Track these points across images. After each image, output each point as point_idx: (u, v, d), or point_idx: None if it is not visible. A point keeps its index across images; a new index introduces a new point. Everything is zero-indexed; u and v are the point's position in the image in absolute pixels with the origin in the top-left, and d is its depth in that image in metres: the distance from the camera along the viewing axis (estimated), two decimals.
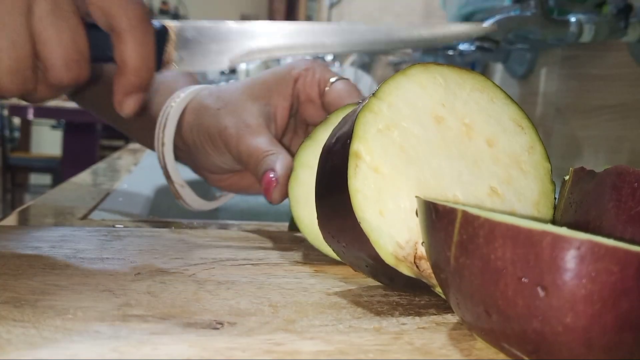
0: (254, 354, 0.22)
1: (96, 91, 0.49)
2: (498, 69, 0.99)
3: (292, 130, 0.50)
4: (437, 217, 0.24)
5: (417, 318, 0.28)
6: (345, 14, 2.10)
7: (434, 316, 0.28)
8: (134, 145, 1.24)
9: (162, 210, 0.67)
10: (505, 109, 0.33)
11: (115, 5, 0.37)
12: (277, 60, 1.41)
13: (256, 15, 5.12)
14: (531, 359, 0.22)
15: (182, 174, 0.50)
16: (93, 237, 0.40)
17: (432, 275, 0.28)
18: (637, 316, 0.20)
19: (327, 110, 0.46)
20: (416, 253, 0.29)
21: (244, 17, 5.11)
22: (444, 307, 0.29)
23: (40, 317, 0.25)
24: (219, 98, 0.47)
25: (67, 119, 2.87)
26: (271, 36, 0.43)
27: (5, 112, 3.55)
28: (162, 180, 0.50)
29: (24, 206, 0.57)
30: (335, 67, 1.43)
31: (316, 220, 0.35)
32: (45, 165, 3.71)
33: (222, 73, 1.44)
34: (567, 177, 0.32)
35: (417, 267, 0.29)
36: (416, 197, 0.27)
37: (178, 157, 0.50)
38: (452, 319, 0.28)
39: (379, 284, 0.33)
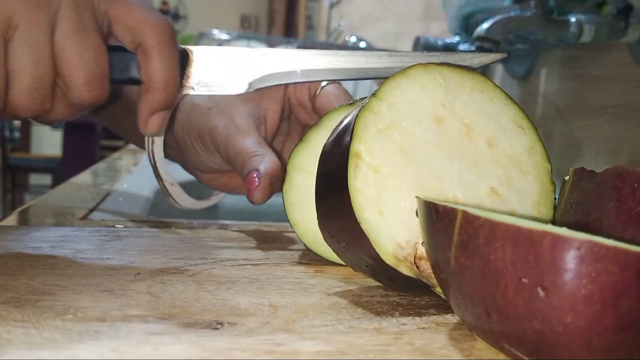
0: (254, 354, 0.22)
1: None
2: (498, 69, 0.99)
3: (285, 133, 0.50)
4: (437, 217, 0.24)
5: (417, 318, 0.28)
6: (345, 14, 2.10)
7: (434, 316, 0.28)
8: (134, 146, 1.23)
9: (162, 211, 0.67)
10: (506, 110, 0.33)
11: (142, 22, 0.37)
12: None
13: (256, 15, 5.12)
14: (531, 359, 0.22)
15: (177, 173, 0.50)
16: (93, 238, 0.40)
17: (432, 275, 0.28)
18: (637, 316, 0.20)
19: (318, 114, 0.47)
20: (416, 253, 0.29)
21: (244, 18, 5.10)
22: (444, 308, 0.29)
23: (40, 317, 0.25)
24: (210, 97, 0.47)
25: None
26: (289, 61, 0.43)
27: None
28: None
29: (24, 206, 0.57)
30: None
31: (312, 224, 0.35)
32: (46, 165, 3.71)
33: None
34: (567, 178, 0.32)
35: (417, 267, 0.29)
36: (416, 197, 0.27)
37: (169, 155, 0.50)
38: (452, 319, 0.28)
39: (379, 284, 0.33)
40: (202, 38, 1.34)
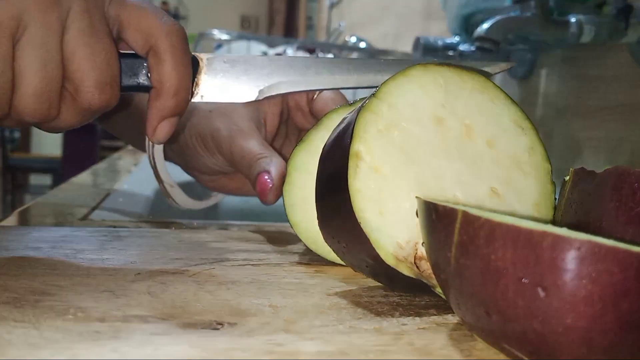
0: (254, 354, 0.22)
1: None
2: None
3: (283, 136, 0.50)
4: (437, 217, 0.24)
5: (417, 319, 0.28)
6: (345, 14, 2.10)
7: (434, 317, 0.28)
8: None
9: (162, 211, 0.67)
10: (506, 110, 0.33)
11: (155, 26, 0.36)
12: None
13: (256, 15, 5.12)
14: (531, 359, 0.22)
15: (176, 173, 0.50)
16: (93, 238, 0.40)
17: (432, 275, 0.28)
18: (637, 317, 0.20)
19: (316, 117, 0.47)
20: (416, 253, 0.29)
21: (244, 18, 5.10)
22: (444, 308, 0.29)
23: (40, 317, 0.25)
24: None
25: None
26: (299, 70, 0.43)
27: None
28: None
29: (25, 206, 0.57)
30: None
31: (312, 224, 0.35)
32: (46, 165, 3.70)
33: None
34: (567, 178, 0.32)
35: (417, 267, 0.29)
36: (416, 197, 0.27)
37: (169, 157, 0.50)
38: (452, 319, 0.28)
39: (379, 284, 0.33)
40: (202, 38, 1.34)
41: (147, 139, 0.47)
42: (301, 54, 1.42)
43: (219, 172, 0.49)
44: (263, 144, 0.45)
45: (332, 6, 2.20)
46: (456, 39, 0.95)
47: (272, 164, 0.42)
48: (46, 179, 3.83)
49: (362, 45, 1.46)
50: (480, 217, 0.21)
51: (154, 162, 0.48)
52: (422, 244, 0.29)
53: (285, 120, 0.50)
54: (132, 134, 0.56)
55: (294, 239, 0.44)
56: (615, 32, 0.66)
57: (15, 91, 0.33)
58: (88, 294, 0.28)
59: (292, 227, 0.37)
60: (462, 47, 0.93)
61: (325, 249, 0.35)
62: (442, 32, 1.17)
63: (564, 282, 0.19)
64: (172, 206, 0.50)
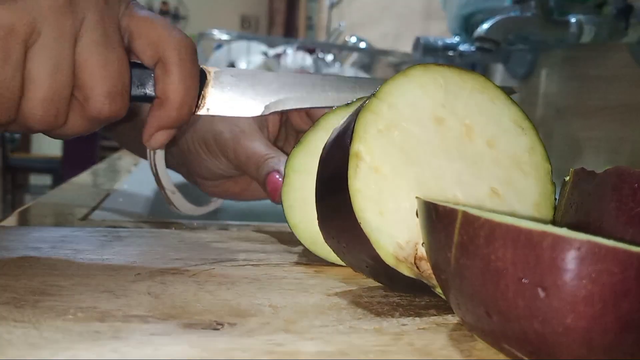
0: (254, 354, 0.22)
1: None
2: (498, 69, 0.99)
3: (283, 138, 0.50)
4: (437, 217, 0.24)
5: (417, 319, 0.28)
6: (345, 14, 2.10)
7: (435, 317, 0.28)
8: None
9: (162, 211, 0.67)
10: (506, 110, 0.33)
11: (165, 38, 0.36)
12: (277, 61, 1.42)
13: (256, 15, 5.12)
14: None
15: (175, 178, 0.50)
16: (93, 238, 0.40)
17: (433, 276, 0.28)
18: (637, 317, 0.20)
19: (312, 119, 0.47)
20: (416, 254, 0.29)
21: (244, 18, 5.10)
22: (444, 308, 0.29)
23: (40, 317, 0.25)
24: None
25: None
26: (305, 87, 0.43)
27: None
28: None
29: (25, 207, 0.57)
30: (336, 68, 1.43)
31: (311, 225, 0.35)
32: (46, 165, 3.70)
33: None
34: (567, 178, 0.32)
35: (417, 267, 0.29)
36: (416, 197, 0.27)
37: (170, 164, 0.50)
38: (452, 319, 0.28)
39: (380, 284, 0.33)
40: (202, 38, 1.34)
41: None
42: (301, 54, 1.42)
43: (222, 177, 0.49)
44: (268, 144, 0.45)
45: (332, 6, 2.20)
46: (456, 39, 0.95)
47: (281, 164, 0.43)
48: (46, 179, 3.83)
49: (362, 45, 1.46)
50: (481, 217, 0.21)
51: (156, 169, 0.48)
52: (422, 244, 0.29)
53: (284, 122, 0.50)
54: (136, 144, 0.56)
55: (294, 239, 0.43)
56: (616, 32, 0.66)
57: (24, 96, 0.33)
58: (88, 294, 0.28)
59: (291, 229, 0.37)
60: (462, 47, 0.93)
61: (324, 250, 0.35)
62: (442, 32, 1.17)
63: (564, 282, 0.19)
64: (173, 212, 0.51)
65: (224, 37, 1.39)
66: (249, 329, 0.25)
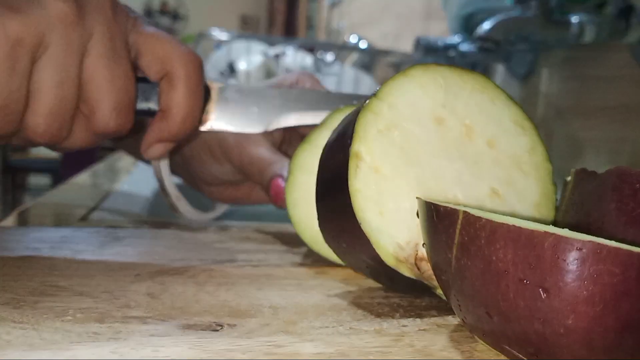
0: (254, 355, 0.22)
1: None
2: (499, 69, 0.99)
3: (287, 142, 0.50)
4: (438, 218, 0.24)
5: (418, 320, 0.27)
6: (345, 14, 2.10)
7: (435, 318, 0.28)
8: None
9: (162, 211, 0.67)
10: (506, 110, 0.33)
11: (172, 52, 0.36)
12: (277, 61, 1.42)
13: (256, 15, 5.12)
14: None
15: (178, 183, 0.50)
16: (93, 238, 0.40)
17: (433, 276, 0.28)
18: (638, 318, 0.20)
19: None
20: (417, 254, 0.29)
21: (244, 18, 5.11)
22: (445, 309, 0.29)
23: (39, 318, 0.25)
24: None
25: None
26: (309, 103, 0.43)
27: None
28: None
29: (24, 207, 0.57)
30: (336, 68, 1.43)
31: (314, 223, 0.35)
32: (45, 166, 3.70)
33: (222, 74, 1.44)
34: (568, 178, 0.32)
35: (417, 268, 0.29)
36: (417, 198, 0.27)
37: (174, 171, 0.50)
38: (453, 320, 0.28)
39: (380, 285, 0.33)
40: (201, 38, 1.35)
41: None
42: (301, 53, 1.42)
43: (227, 182, 0.49)
44: (272, 149, 0.45)
45: (332, 6, 2.21)
46: (456, 39, 0.95)
47: (285, 169, 0.43)
48: (46, 180, 3.83)
49: (362, 45, 1.46)
50: (481, 217, 0.21)
51: (160, 176, 0.48)
52: (423, 244, 0.29)
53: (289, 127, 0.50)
54: (133, 146, 0.56)
55: (294, 239, 0.44)
56: (616, 32, 0.66)
57: (28, 108, 0.32)
58: (87, 295, 0.28)
59: (293, 226, 0.37)
60: (463, 47, 0.93)
61: (326, 249, 0.35)
62: (442, 32, 1.17)
63: (565, 283, 0.19)
64: (179, 217, 0.51)
65: (224, 37, 1.39)
66: (249, 329, 0.25)
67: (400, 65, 1.33)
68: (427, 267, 0.29)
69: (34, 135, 0.33)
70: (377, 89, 0.31)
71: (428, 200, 0.25)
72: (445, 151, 0.31)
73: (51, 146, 0.36)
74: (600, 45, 0.72)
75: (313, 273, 0.35)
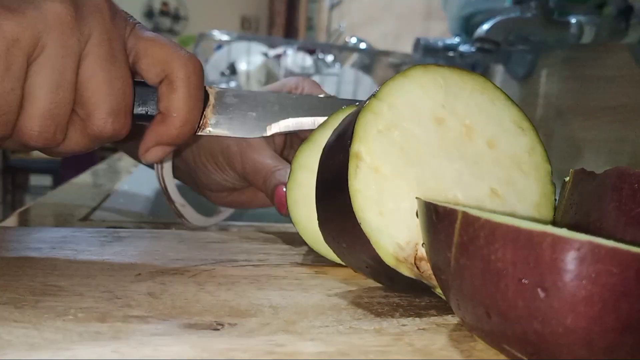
0: (254, 355, 0.22)
1: None
2: (499, 70, 0.99)
3: (289, 146, 0.50)
4: (437, 218, 0.24)
5: (417, 319, 0.28)
6: (345, 15, 2.10)
7: (435, 317, 0.28)
8: None
9: (163, 211, 0.67)
10: (506, 111, 0.33)
11: (173, 56, 0.36)
12: (278, 62, 1.42)
13: (256, 16, 5.12)
14: None
15: (183, 189, 0.50)
16: (93, 238, 0.40)
17: (433, 276, 0.28)
18: (637, 317, 0.20)
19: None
20: (416, 254, 0.29)
21: (245, 19, 5.11)
22: (444, 309, 0.29)
23: (41, 318, 0.25)
24: None
25: None
26: (307, 109, 0.43)
27: None
28: None
29: (25, 207, 0.57)
30: (336, 68, 1.43)
31: (314, 223, 0.35)
32: (46, 166, 3.70)
33: (222, 74, 1.44)
34: (567, 179, 0.32)
35: (417, 268, 0.29)
36: (417, 198, 0.27)
37: (178, 177, 0.50)
38: (452, 320, 0.28)
39: (380, 285, 0.33)
40: (202, 39, 1.35)
41: (155, 163, 0.48)
42: (301, 54, 1.42)
43: (230, 188, 0.49)
44: (275, 156, 0.45)
45: (332, 7, 2.21)
46: (456, 39, 0.96)
47: (287, 175, 0.43)
48: (46, 180, 3.83)
49: (363, 45, 1.46)
50: (481, 217, 0.21)
51: (164, 184, 0.48)
52: (423, 244, 0.29)
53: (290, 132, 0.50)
54: (135, 150, 0.56)
55: (294, 239, 0.44)
56: (616, 32, 0.66)
57: (22, 111, 0.32)
58: (88, 295, 0.28)
59: (294, 226, 0.37)
60: (463, 48, 0.93)
61: (325, 248, 0.35)
62: (442, 33, 1.17)
63: (564, 283, 0.19)
64: (184, 225, 0.51)
65: (224, 37, 1.39)
66: (249, 329, 0.25)
67: (400, 65, 1.33)
68: (426, 266, 0.29)
69: (28, 138, 0.33)
70: (377, 89, 0.31)
71: (427, 200, 0.25)
72: (445, 151, 0.31)
73: (46, 150, 0.35)
74: (600, 46, 0.72)
75: (313, 273, 0.35)
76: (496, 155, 0.32)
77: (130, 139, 0.37)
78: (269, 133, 0.42)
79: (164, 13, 4.99)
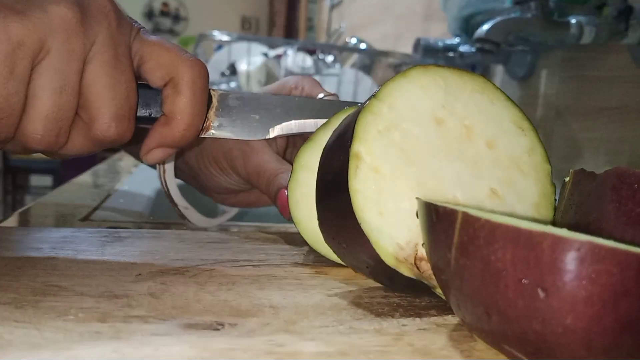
0: (254, 354, 0.23)
1: None
2: (498, 70, 0.99)
3: (292, 145, 0.50)
4: (437, 218, 0.24)
5: (417, 319, 0.28)
6: (345, 16, 2.10)
7: (435, 317, 0.28)
8: None
9: (163, 211, 0.67)
10: (506, 111, 0.33)
11: (178, 59, 0.36)
12: (278, 62, 1.42)
13: (257, 17, 5.12)
14: None
15: (185, 190, 0.50)
16: (94, 238, 0.40)
17: (433, 276, 0.28)
18: (637, 317, 0.20)
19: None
20: (416, 254, 0.29)
21: (245, 19, 5.11)
22: (444, 309, 0.29)
23: (41, 318, 0.25)
24: None
25: None
26: (310, 111, 0.43)
27: None
28: None
29: (25, 207, 0.57)
30: (336, 69, 1.43)
31: (314, 222, 0.35)
32: (46, 166, 3.71)
33: (223, 75, 1.44)
34: (567, 179, 0.32)
35: (417, 268, 0.29)
36: (417, 198, 0.27)
37: (184, 178, 0.50)
38: (452, 320, 0.28)
39: (380, 285, 0.33)
40: (202, 39, 1.35)
41: (157, 166, 0.48)
42: (301, 55, 1.42)
43: (236, 191, 0.49)
44: (277, 158, 0.45)
45: (332, 7, 2.21)
46: (456, 40, 0.96)
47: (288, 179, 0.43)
48: (47, 180, 3.84)
49: (363, 46, 1.46)
50: (480, 218, 0.21)
51: (167, 188, 0.48)
52: (423, 244, 0.29)
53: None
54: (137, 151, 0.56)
55: (294, 240, 0.44)
56: (616, 33, 0.66)
57: (25, 114, 0.32)
58: (89, 295, 0.28)
59: (295, 225, 0.37)
60: (462, 49, 0.93)
61: (326, 248, 0.35)
62: (442, 34, 1.17)
63: (564, 283, 0.19)
64: (188, 225, 0.51)
65: (225, 38, 1.39)
66: (250, 329, 0.25)
67: (400, 66, 1.33)
68: (426, 266, 0.29)
69: (30, 141, 0.33)
70: (377, 90, 0.31)
71: (427, 201, 0.25)
72: (445, 152, 0.31)
73: (48, 153, 0.35)
74: (600, 46, 0.72)
75: (313, 273, 0.35)
76: (496, 156, 0.32)
77: (133, 142, 0.37)
78: (271, 135, 0.42)
79: (164, 13, 4.99)
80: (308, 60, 1.42)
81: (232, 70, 1.43)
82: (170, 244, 0.40)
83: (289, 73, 1.35)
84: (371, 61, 1.53)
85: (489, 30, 0.69)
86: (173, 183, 0.48)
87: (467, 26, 0.92)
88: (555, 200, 0.33)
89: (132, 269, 0.33)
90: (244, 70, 1.40)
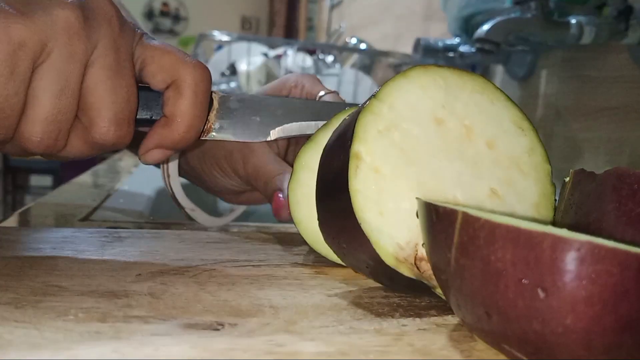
0: (254, 354, 0.23)
1: None
2: (498, 71, 0.99)
3: (294, 143, 0.50)
4: (437, 218, 0.24)
5: (417, 319, 0.28)
6: (345, 16, 2.10)
7: (435, 317, 0.28)
8: None
9: (163, 211, 0.67)
10: (506, 111, 0.33)
11: (180, 62, 0.36)
12: (278, 62, 1.42)
13: (257, 17, 5.12)
14: None
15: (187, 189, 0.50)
16: (94, 239, 0.40)
17: (433, 276, 0.28)
18: (637, 318, 0.20)
19: None
20: (416, 254, 0.29)
21: (245, 19, 5.11)
22: (444, 309, 0.29)
23: (41, 318, 0.25)
24: None
25: None
26: (311, 113, 0.43)
27: None
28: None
29: (25, 207, 0.57)
30: (336, 69, 1.44)
31: (314, 222, 0.35)
32: (46, 166, 3.70)
33: (223, 75, 1.44)
34: (567, 179, 0.32)
35: (417, 268, 0.29)
36: (417, 198, 0.27)
37: (190, 179, 0.51)
38: (452, 320, 0.28)
39: (380, 285, 0.33)
40: (202, 39, 1.35)
41: (162, 169, 0.48)
42: (301, 55, 1.42)
43: (240, 191, 0.49)
44: (276, 159, 0.45)
45: (332, 7, 2.21)
46: (456, 40, 0.96)
47: (285, 181, 0.43)
48: (47, 180, 3.83)
49: (363, 46, 1.46)
50: (480, 218, 0.21)
51: (172, 191, 0.48)
52: (423, 244, 0.29)
53: None
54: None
55: (295, 240, 0.44)
56: (615, 33, 0.66)
57: (24, 115, 0.32)
58: (89, 295, 0.28)
59: (295, 225, 0.37)
60: (463, 49, 0.93)
61: (326, 248, 0.35)
62: (442, 34, 1.17)
63: (564, 283, 0.19)
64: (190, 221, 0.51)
65: (225, 38, 1.39)
66: (250, 329, 0.25)
67: (400, 66, 1.33)
68: (426, 267, 0.29)
69: (29, 143, 0.33)
70: (377, 90, 0.31)
71: (427, 201, 0.25)
72: (445, 152, 0.31)
73: (46, 156, 0.35)
74: (600, 47, 0.72)
75: (313, 273, 0.35)
76: (496, 156, 0.32)
77: (132, 146, 0.37)
78: (272, 137, 0.42)
79: (164, 13, 4.99)
80: (308, 60, 1.42)
81: (232, 70, 1.43)
82: (170, 244, 0.40)
83: (289, 73, 1.35)
84: (371, 61, 1.53)
85: (489, 30, 0.69)
86: (178, 186, 0.48)
87: (467, 26, 0.92)
88: (555, 200, 0.33)
89: (132, 269, 0.33)
90: (244, 70, 1.40)
